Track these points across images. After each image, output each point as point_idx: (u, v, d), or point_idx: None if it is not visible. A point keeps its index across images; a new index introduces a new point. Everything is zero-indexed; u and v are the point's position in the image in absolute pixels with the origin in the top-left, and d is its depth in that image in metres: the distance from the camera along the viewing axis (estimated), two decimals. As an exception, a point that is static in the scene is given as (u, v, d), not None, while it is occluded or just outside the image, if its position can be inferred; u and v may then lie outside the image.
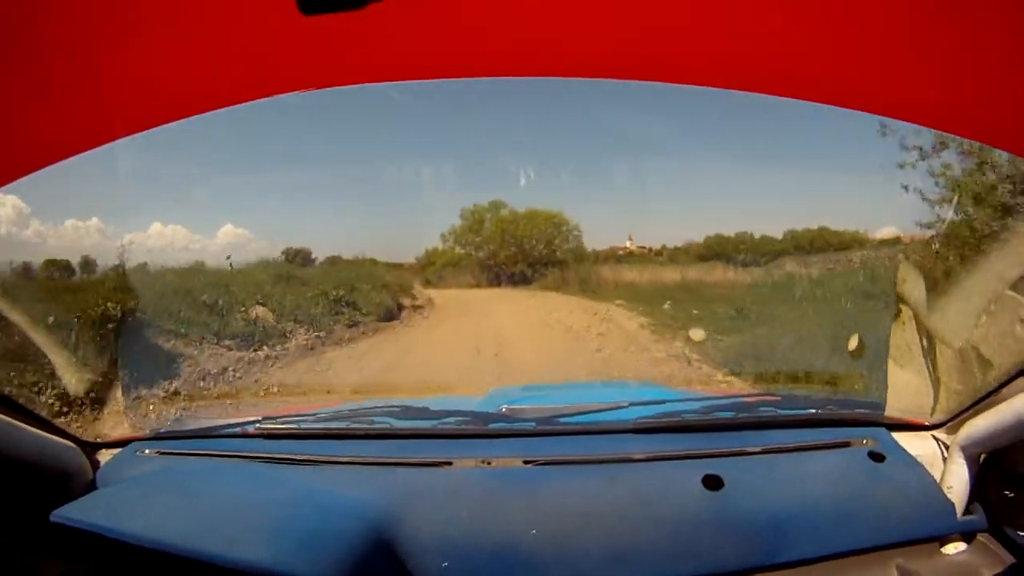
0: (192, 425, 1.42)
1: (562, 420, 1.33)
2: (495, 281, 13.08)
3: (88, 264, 6.94)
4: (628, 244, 12.03)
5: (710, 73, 0.92)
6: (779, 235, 11.27)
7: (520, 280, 13.00)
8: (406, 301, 10.36)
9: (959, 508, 1.08)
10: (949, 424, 1.21)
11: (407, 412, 1.38)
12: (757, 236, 11.19)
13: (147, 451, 1.28)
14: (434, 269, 13.04)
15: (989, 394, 1.09)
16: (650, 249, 11.98)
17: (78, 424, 3.82)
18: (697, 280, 10.54)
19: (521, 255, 13.10)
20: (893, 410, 1.36)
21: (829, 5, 0.74)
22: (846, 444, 1.23)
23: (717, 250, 11.30)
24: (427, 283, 12.62)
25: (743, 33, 0.79)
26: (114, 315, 5.13)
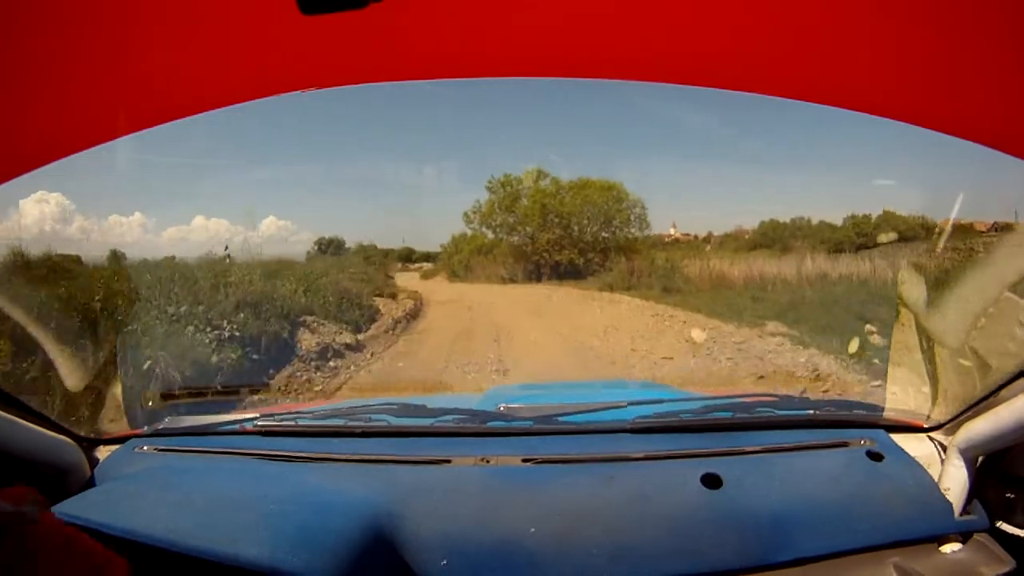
0: (190, 422, 1.42)
1: (561, 419, 1.33)
2: (533, 274, 9.81)
3: (83, 257, 6.67)
4: (672, 231, 11.04)
5: (718, 74, 0.92)
6: (838, 221, 9.93)
7: (567, 273, 9.61)
8: (348, 326, 6.09)
9: (957, 509, 1.09)
10: (947, 426, 1.22)
11: (405, 410, 1.38)
12: (815, 222, 9.87)
13: (145, 447, 1.28)
14: (460, 258, 10.19)
15: (987, 397, 1.09)
16: (695, 236, 11.06)
17: (76, 420, 3.80)
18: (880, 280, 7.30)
19: (568, 240, 9.74)
20: (891, 412, 1.36)
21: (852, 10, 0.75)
22: (844, 444, 1.23)
23: (772, 237, 9.97)
24: (453, 276, 9.97)
25: (769, 36, 0.80)
26: (113, 310, 5.10)
